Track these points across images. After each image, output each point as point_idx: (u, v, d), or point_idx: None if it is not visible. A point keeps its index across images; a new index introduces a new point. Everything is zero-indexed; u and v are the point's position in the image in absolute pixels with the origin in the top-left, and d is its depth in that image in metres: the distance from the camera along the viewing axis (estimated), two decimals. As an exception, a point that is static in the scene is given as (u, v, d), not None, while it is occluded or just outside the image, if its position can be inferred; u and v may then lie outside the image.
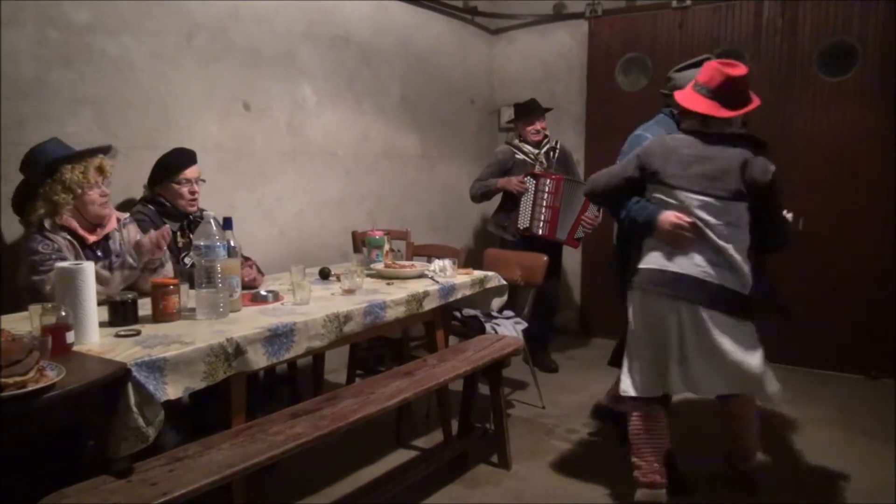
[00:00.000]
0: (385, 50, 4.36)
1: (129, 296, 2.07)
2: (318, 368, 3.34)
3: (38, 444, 1.74)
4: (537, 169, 4.09)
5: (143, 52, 2.99)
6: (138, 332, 1.95)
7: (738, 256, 2.23)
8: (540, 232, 3.99)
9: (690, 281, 2.25)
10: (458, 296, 2.95)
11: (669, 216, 2.28)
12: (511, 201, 4.11)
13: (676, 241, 2.28)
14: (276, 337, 2.09)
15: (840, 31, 4.09)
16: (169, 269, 2.52)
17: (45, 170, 2.29)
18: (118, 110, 2.92)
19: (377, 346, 3.94)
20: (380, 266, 3.06)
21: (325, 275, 2.96)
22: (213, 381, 1.90)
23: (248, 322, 2.12)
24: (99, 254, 2.42)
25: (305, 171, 3.88)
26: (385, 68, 4.38)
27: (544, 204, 3.97)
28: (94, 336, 1.87)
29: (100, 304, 1.93)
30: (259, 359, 2.04)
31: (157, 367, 1.74)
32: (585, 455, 3.09)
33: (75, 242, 2.34)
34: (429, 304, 2.76)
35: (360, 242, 3.67)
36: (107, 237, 2.47)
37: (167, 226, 2.52)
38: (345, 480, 2.78)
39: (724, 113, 2.26)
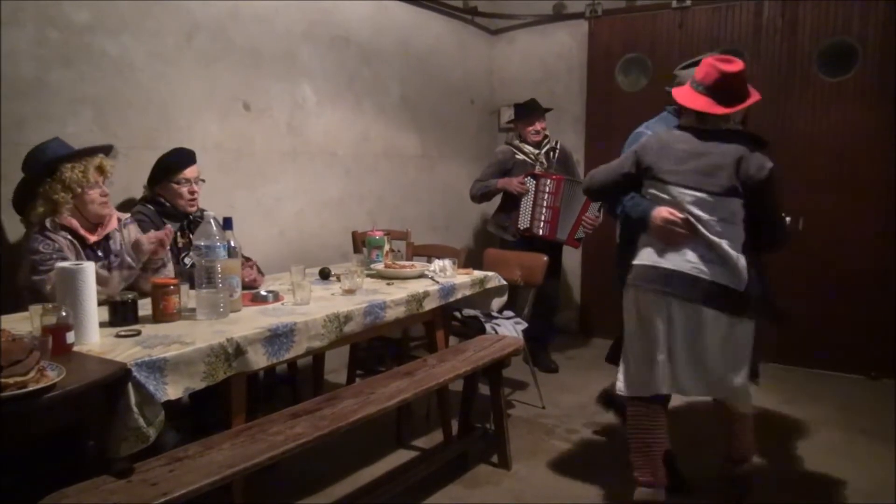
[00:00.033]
0: (385, 50, 4.36)
1: (130, 296, 2.07)
2: (319, 368, 3.34)
3: (39, 444, 1.74)
4: (538, 169, 4.09)
5: (143, 52, 2.99)
6: (138, 333, 1.95)
7: (732, 252, 2.20)
8: (540, 232, 3.99)
9: (682, 277, 2.23)
10: (458, 296, 2.95)
11: (662, 212, 2.27)
12: (511, 201, 4.11)
13: (669, 237, 2.27)
14: (277, 337, 2.09)
15: (840, 31, 4.09)
16: (170, 269, 2.52)
17: (44, 169, 2.29)
18: (118, 110, 2.92)
19: (377, 346, 3.94)
20: (380, 266, 3.06)
21: (325, 275, 2.96)
22: (214, 381, 1.90)
23: (248, 322, 2.12)
24: (100, 254, 2.42)
25: (305, 171, 3.88)
26: (385, 68, 4.38)
27: (545, 204, 3.97)
28: (95, 336, 1.87)
29: (100, 304, 1.93)
30: (259, 359, 2.04)
31: (157, 368, 1.74)
32: (585, 455, 3.09)
33: (76, 242, 2.34)
34: (429, 305, 2.76)
35: (361, 242, 3.67)
36: (107, 237, 2.46)
37: (169, 226, 2.52)
38: (345, 480, 2.78)
39: (719, 110, 2.25)
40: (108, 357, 1.72)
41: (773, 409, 3.58)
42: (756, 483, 2.55)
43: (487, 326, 3.29)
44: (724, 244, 2.20)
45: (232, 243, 2.25)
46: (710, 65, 2.26)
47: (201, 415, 2.37)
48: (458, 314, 3.41)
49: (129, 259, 2.34)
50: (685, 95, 2.32)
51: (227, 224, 2.28)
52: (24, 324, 1.89)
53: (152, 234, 2.45)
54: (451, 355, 2.79)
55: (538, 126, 4.16)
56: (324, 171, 4.00)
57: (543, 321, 4.08)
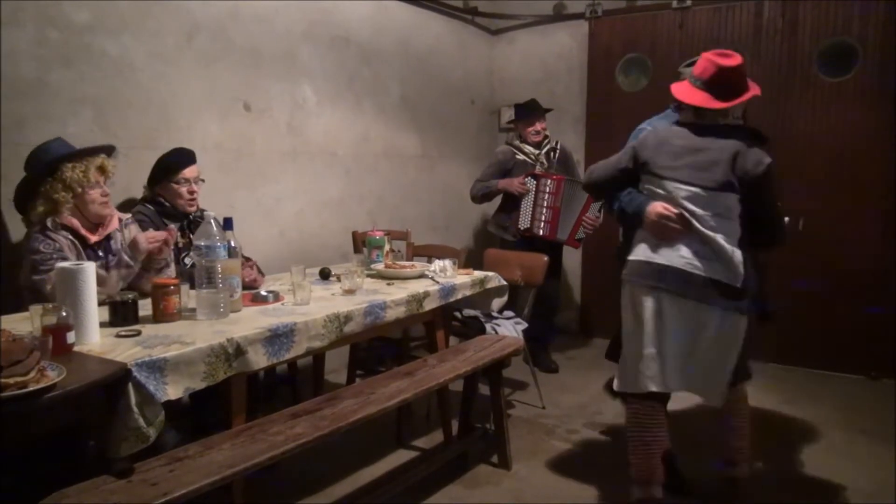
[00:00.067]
0: (385, 50, 4.36)
1: (130, 296, 2.07)
2: (319, 369, 3.34)
3: (39, 444, 1.74)
4: (538, 169, 4.09)
5: (143, 52, 2.99)
6: (139, 333, 1.95)
7: (727, 246, 2.19)
8: (541, 232, 3.99)
9: (675, 273, 2.23)
10: (459, 296, 2.95)
11: (656, 207, 2.27)
12: (511, 202, 4.11)
13: (663, 233, 2.27)
14: (277, 337, 2.09)
15: (840, 31, 4.09)
16: (171, 269, 2.52)
17: (46, 168, 2.29)
18: (118, 110, 2.92)
19: (377, 346, 3.94)
20: (380, 266, 3.06)
21: (325, 275, 2.96)
22: (214, 381, 1.90)
23: (248, 322, 2.12)
24: (100, 254, 2.42)
25: (305, 171, 3.88)
26: (385, 68, 4.38)
27: (545, 204, 3.97)
28: (95, 336, 1.87)
29: (100, 304, 1.93)
30: (259, 359, 2.04)
31: (157, 368, 1.74)
32: (585, 455, 3.09)
33: (77, 242, 2.34)
34: (429, 305, 2.76)
35: (361, 243, 3.67)
36: (108, 237, 2.46)
37: (173, 226, 2.52)
38: (345, 481, 2.78)
39: (717, 104, 2.23)
40: (108, 357, 1.72)
41: (773, 410, 3.58)
42: (755, 483, 2.55)
43: (487, 326, 3.29)
44: (719, 238, 2.19)
45: (232, 243, 2.25)
46: (708, 60, 2.25)
47: (201, 415, 2.37)
48: (458, 314, 3.41)
49: (126, 258, 2.34)
50: (683, 91, 2.32)
51: (227, 224, 2.28)
52: (24, 324, 1.89)
53: (150, 232, 2.45)
54: (451, 355, 2.79)
55: (538, 126, 4.16)
56: (324, 171, 4.01)
57: (544, 321, 4.08)
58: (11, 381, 1.42)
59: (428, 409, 3.44)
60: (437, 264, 3.06)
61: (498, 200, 4.27)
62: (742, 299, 2.22)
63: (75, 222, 2.34)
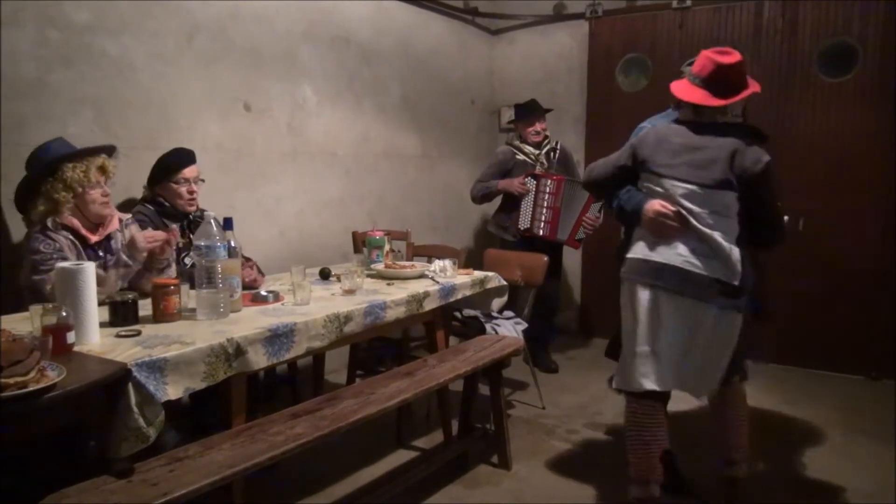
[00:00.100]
0: (385, 50, 4.36)
1: (130, 296, 2.07)
2: (319, 369, 3.34)
3: (39, 444, 1.74)
4: (538, 170, 4.09)
5: (143, 52, 2.99)
6: (139, 333, 1.95)
7: (725, 244, 2.19)
8: (541, 233, 3.99)
9: (672, 271, 2.23)
10: (459, 296, 2.95)
11: (654, 204, 2.27)
12: (511, 202, 4.11)
13: (660, 230, 2.26)
14: (277, 337, 2.10)
15: (840, 31, 4.09)
16: (172, 269, 2.52)
17: (46, 168, 2.29)
18: (118, 111, 2.93)
19: (377, 346, 3.94)
20: (380, 266, 3.07)
21: (325, 275, 2.96)
22: (214, 381, 1.90)
23: (248, 322, 2.12)
24: (101, 254, 2.42)
25: (305, 171, 3.88)
26: (385, 68, 4.38)
27: (545, 205, 3.97)
28: (95, 336, 1.87)
29: (99, 304, 1.93)
30: (259, 359, 2.04)
31: (157, 368, 1.74)
32: (585, 456, 3.09)
33: (77, 242, 2.34)
34: (429, 305, 2.77)
35: (361, 243, 3.67)
36: (109, 237, 2.47)
37: (175, 227, 2.52)
38: (345, 481, 2.78)
39: (715, 102, 2.23)
40: (108, 357, 1.72)
41: (773, 410, 3.58)
42: (755, 484, 2.55)
43: (487, 327, 3.29)
44: (717, 236, 2.19)
45: (232, 243, 2.25)
46: (707, 57, 2.25)
47: (201, 415, 2.37)
48: (458, 314, 3.41)
49: (125, 257, 2.34)
50: (682, 89, 2.32)
51: (227, 224, 2.28)
52: (24, 324, 1.89)
53: (149, 232, 2.45)
54: (451, 355, 2.79)
55: (538, 126, 4.16)
56: (324, 172, 4.01)
57: (543, 321, 4.08)
58: (11, 381, 1.42)
59: (428, 410, 3.44)
60: (437, 264, 3.06)
61: (498, 200, 4.27)
62: (739, 297, 2.21)
63: (76, 222, 2.35)
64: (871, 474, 2.85)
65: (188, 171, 2.77)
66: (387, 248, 3.21)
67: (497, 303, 3.24)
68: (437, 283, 2.88)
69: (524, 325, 3.42)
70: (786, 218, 2.42)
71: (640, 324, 2.31)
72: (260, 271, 2.80)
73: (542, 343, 4.25)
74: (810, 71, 4.19)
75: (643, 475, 2.34)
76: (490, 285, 3.14)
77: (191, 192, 2.77)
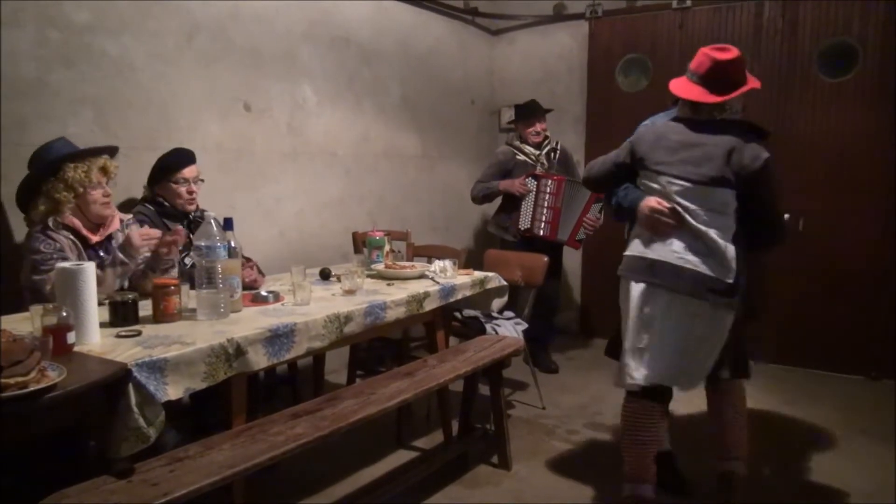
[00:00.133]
0: (385, 50, 4.36)
1: (130, 296, 2.07)
2: (319, 369, 3.34)
3: (39, 445, 1.74)
4: (538, 170, 4.09)
5: (143, 52, 2.99)
6: (139, 333, 1.95)
7: (720, 241, 2.18)
8: (541, 233, 3.99)
9: (666, 267, 2.22)
10: (459, 296, 2.95)
11: (650, 201, 2.27)
12: (512, 202, 4.11)
13: (656, 227, 2.26)
14: (277, 337, 2.10)
15: (840, 31, 4.10)
16: (175, 270, 2.52)
17: (48, 167, 2.29)
18: (119, 111, 2.92)
19: (377, 346, 3.94)
20: (380, 267, 3.06)
21: (325, 275, 2.96)
22: (214, 381, 1.90)
23: (248, 322, 2.12)
24: (101, 254, 2.42)
25: (305, 171, 3.88)
26: (385, 69, 4.38)
27: (546, 205, 3.97)
28: (95, 336, 1.87)
29: (98, 304, 1.93)
30: (260, 359, 2.04)
31: (157, 368, 1.74)
32: (586, 456, 3.09)
33: (78, 242, 2.34)
34: (429, 305, 2.77)
35: (361, 243, 3.67)
36: (110, 237, 2.47)
37: (181, 227, 2.52)
38: (345, 481, 2.78)
39: (712, 98, 2.22)
40: (108, 357, 1.72)
41: (773, 410, 3.58)
42: (755, 484, 2.55)
43: (488, 327, 3.29)
44: (712, 233, 2.18)
45: (232, 244, 2.25)
46: (704, 54, 2.24)
47: (202, 415, 2.37)
48: (458, 314, 3.41)
49: (120, 256, 2.34)
50: (680, 86, 2.31)
51: (227, 224, 2.28)
52: (24, 324, 1.89)
53: (144, 229, 2.45)
54: (451, 356, 2.79)
55: (538, 127, 4.16)
56: (324, 172, 4.01)
57: (544, 322, 4.08)
58: (12, 381, 1.42)
59: (428, 410, 3.44)
60: (438, 265, 3.06)
61: (498, 201, 4.27)
62: (733, 295, 2.20)
63: (77, 222, 2.35)
64: (871, 474, 2.85)
65: (188, 171, 2.77)
66: (387, 248, 3.20)
67: (497, 303, 3.24)
68: (438, 283, 2.88)
69: (524, 326, 3.41)
70: (786, 216, 2.42)
71: (632, 319, 2.32)
72: (260, 271, 2.80)
73: (542, 343, 4.25)
74: (810, 71, 4.20)
75: (636, 474, 2.34)
76: (490, 286, 3.14)
77: (190, 192, 2.77)
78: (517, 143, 4.24)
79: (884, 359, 4.05)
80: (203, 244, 2.15)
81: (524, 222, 4.02)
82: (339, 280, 2.84)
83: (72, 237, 2.33)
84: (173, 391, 1.77)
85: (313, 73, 3.86)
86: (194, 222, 2.78)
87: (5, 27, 2.51)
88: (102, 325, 1.93)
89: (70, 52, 2.73)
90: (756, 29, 4.33)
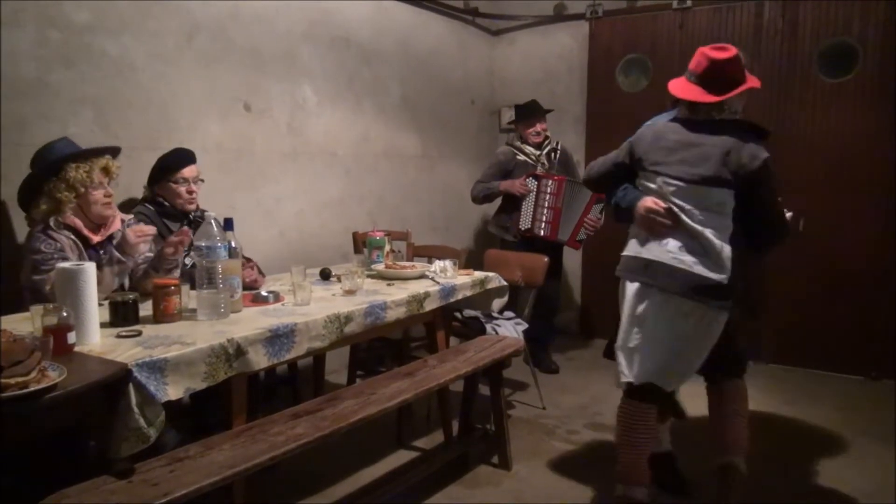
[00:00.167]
0: (385, 50, 4.36)
1: (130, 296, 2.07)
2: (319, 369, 3.34)
3: (40, 445, 1.74)
4: (539, 170, 4.09)
5: (143, 52, 2.99)
6: (139, 333, 1.95)
7: (716, 241, 2.17)
8: (542, 233, 3.99)
9: (660, 267, 2.22)
10: (459, 297, 2.95)
11: (646, 201, 2.27)
12: (512, 202, 4.11)
13: (652, 227, 2.27)
14: (277, 338, 2.10)
15: (840, 31, 4.10)
16: (178, 270, 2.51)
17: (49, 167, 2.29)
18: (119, 111, 2.92)
19: (378, 346, 3.94)
20: (380, 267, 3.06)
21: (325, 275, 2.96)
22: (214, 381, 1.90)
23: (248, 323, 2.12)
24: (102, 254, 2.42)
25: (306, 171, 3.88)
26: (385, 69, 4.38)
27: (546, 205, 3.97)
28: (96, 337, 1.87)
29: (99, 303, 1.93)
30: (260, 359, 2.04)
31: (157, 368, 1.74)
32: (586, 456, 3.09)
33: (79, 242, 2.34)
34: (429, 305, 2.76)
35: (361, 243, 3.67)
36: (110, 238, 2.46)
37: (187, 228, 2.52)
38: (345, 481, 2.78)
39: (709, 98, 2.22)
40: (108, 357, 1.72)
41: (773, 411, 3.58)
42: (755, 484, 2.54)
43: (488, 327, 3.29)
44: (708, 233, 2.18)
45: (233, 244, 2.25)
46: (702, 53, 2.24)
47: (202, 415, 2.37)
48: (458, 315, 3.41)
49: (117, 254, 2.34)
50: (678, 86, 2.31)
51: (227, 225, 2.28)
52: (25, 324, 1.89)
53: (140, 226, 2.45)
54: (451, 356, 2.79)
55: (539, 127, 4.16)
56: (324, 172, 4.01)
57: (544, 322, 4.08)
58: (12, 381, 1.42)
59: (428, 410, 3.44)
60: (438, 265, 3.06)
61: (498, 201, 4.27)
62: (727, 295, 2.20)
63: (78, 222, 2.35)
64: (871, 474, 2.85)
65: (187, 171, 2.77)
66: (387, 248, 3.20)
67: (497, 303, 3.24)
68: (438, 283, 2.88)
69: (524, 326, 3.41)
70: (790, 214, 2.40)
71: (626, 318, 2.32)
72: (260, 272, 2.80)
73: (542, 343, 4.25)
74: (810, 71, 4.20)
75: (627, 476, 2.35)
76: (490, 286, 3.14)
77: (190, 192, 2.77)
78: (517, 143, 4.24)
79: (884, 359, 4.05)
80: (203, 244, 2.15)
81: (525, 222, 4.02)
82: (339, 280, 2.84)
83: (73, 237, 2.33)
84: (173, 391, 1.77)
85: (313, 73, 3.86)
86: (194, 222, 2.78)
87: (5, 27, 2.51)
88: (103, 325, 1.93)
89: (70, 52, 2.73)
90: (756, 29, 4.33)
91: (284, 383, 3.38)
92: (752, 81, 2.27)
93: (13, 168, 2.44)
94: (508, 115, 4.78)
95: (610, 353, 2.61)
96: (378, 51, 4.30)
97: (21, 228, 2.48)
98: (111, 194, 2.43)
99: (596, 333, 5.03)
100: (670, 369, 2.29)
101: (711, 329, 2.25)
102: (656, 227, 2.25)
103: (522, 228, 4.03)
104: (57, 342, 1.67)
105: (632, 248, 2.36)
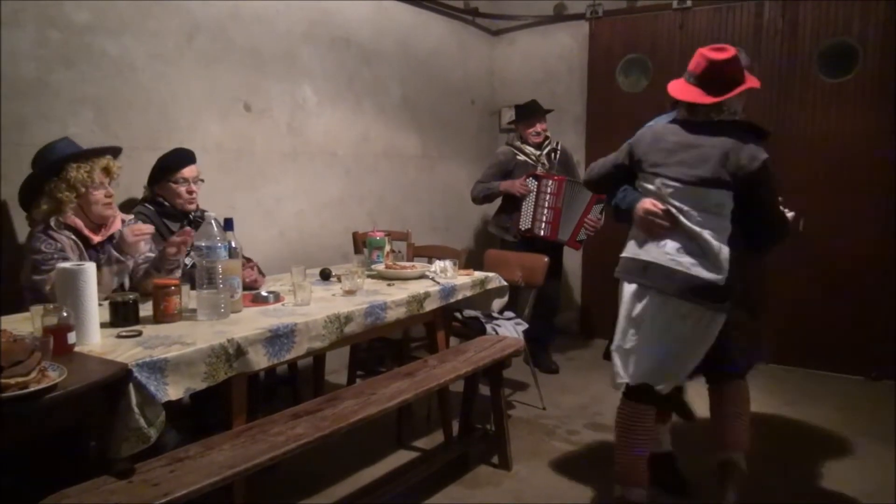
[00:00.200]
0: (385, 50, 4.36)
1: (130, 296, 2.07)
2: (319, 369, 3.34)
3: (40, 445, 1.74)
4: (539, 170, 4.09)
5: (143, 52, 2.99)
6: (139, 333, 1.95)
7: (714, 243, 2.17)
8: (542, 233, 3.99)
9: (658, 269, 2.22)
10: (459, 297, 2.95)
11: (645, 203, 2.28)
12: (512, 202, 4.11)
13: (650, 229, 2.27)
14: (277, 338, 2.10)
15: (840, 31, 4.10)
16: (180, 271, 2.52)
17: (50, 167, 2.30)
18: (119, 111, 2.92)
19: (378, 346, 3.94)
20: (380, 267, 3.06)
21: (325, 276, 2.96)
22: (214, 381, 1.90)
23: (249, 323, 2.12)
24: (101, 254, 2.42)
25: (306, 171, 3.88)
26: (385, 69, 4.38)
27: (546, 205, 3.97)
28: (96, 337, 1.87)
29: (99, 303, 1.93)
30: (260, 359, 2.04)
31: (158, 368, 1.74)
32: (586, 456, 3.09)
33: (79, 242, 2.34)
34: (429, 305, 2.76)
35: (361, 243, 3.67)
36: (111, 238, 2.46)
37: (189, 228, 2.52)
38: (346, 481, 2.78)
39: (708, 99, 2.21)
40: (109, 357, 1.72)
41: (773, 411, 3.58)
42: (756, 485, 2.54)
43: (488, 327, 3.29)
44: (706, 234, 2.18)
45: (233, 244, 2.25)
46: (701, 54, 2.24)
47: (202, 415, 2.37)
48: (458, 315, 3.41)
49: (115, 254, 2.34)
50: (677, 88, 2.31)
51: (227, 225, 2.28)
52: (25, 324, 1.89)
53: (137, 225, 2.45)
54: (451, 356, 2.79)
55: (539, 127, 4.16)
56: (324, 172, 4.01)
57: (544, 322, 4.08)
58: (12, 381, 1.42)
59: (428, 410, 3.44)
60: (438, 265, 3.06)
61: (498, 201, 4.27)
62: (725, 297, 2.19)
63: (78, 222, 2.35)
64: (872, 475, 2.85)
65: (187, 171, 2.77)
66: (387, 248, 3.20)
67: (497, 303, 3.24)
68: (438, 283, 2.88)
69: (524, 326, 3.41)
70: (790, 214, 2.40)
71: (623, 319, 2.33)
72: (260, 272, 2.80)
73: (542, 344, 4.25)
74: (810, 71, 4.20)
75: (625, 477, 2.35)
76: (490, 286, 3.14)
77: (190, 192, 2.77)
78: (518, 143, 4.24)
79: (884, 359, 4.05)
80: (203, 244, 2.15)
81: (525, 222, 4.02)
82: (339, 280, 2.84)
83: (73, 237, 2.33)
84: (174, 391, 1.77)
85: (313, 74, 3.86)
86: (194, 222, 2.78)
87: (5, 27, 2.51)
88: (103, 325, 1.93)
89: (70, 52, 2.73)
90: (756, 29, 4.33)
91: (284, 383, 3.38)
92: (752, 82, 2.26)
93: (13, 168, 2.44)
94: (508, 116, 4.77)
95: (609, 355, 2.61)
96: (378, 51, 4.30)
97: (22, 228, 2.48)
98: (112, 194, 2.43)
99: (596, 334, 5.03)
100: (667, 370, 2.29)
101: (709, 331, 2.24)
102: (655, 229, 2.26)
103: (522, 228, 4.03)
104: (57, 342, 1.67)
105: (630, 250, 2.36)
